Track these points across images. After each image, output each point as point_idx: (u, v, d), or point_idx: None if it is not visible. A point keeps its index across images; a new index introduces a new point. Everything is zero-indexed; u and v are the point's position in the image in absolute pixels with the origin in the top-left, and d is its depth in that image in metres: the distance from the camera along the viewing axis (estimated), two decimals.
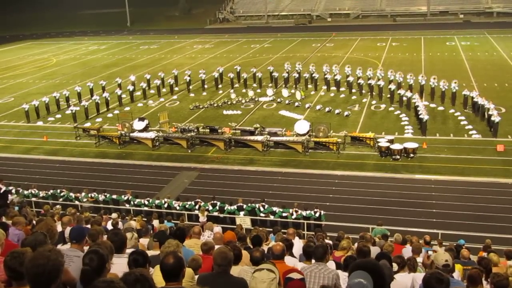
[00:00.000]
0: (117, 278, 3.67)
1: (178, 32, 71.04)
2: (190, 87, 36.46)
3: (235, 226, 15.83)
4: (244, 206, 17.79)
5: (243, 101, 32.61)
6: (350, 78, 33.39)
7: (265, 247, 8.81)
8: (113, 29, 78.50)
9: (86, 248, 5.70)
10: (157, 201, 18.80)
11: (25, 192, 19.85)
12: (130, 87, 34.69)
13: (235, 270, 5.68)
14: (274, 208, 17.54)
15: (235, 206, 17.82)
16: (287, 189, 20.51)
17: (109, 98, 32.83)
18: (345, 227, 15.48)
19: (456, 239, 14.27)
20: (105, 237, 7.01)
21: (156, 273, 4.89)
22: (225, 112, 30.86)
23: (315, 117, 28.48)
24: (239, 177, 22.26)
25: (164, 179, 22.67)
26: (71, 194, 19.66)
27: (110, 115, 31.64)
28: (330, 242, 12.23)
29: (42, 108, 32.20)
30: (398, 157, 22.55)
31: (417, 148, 22.81)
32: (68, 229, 7.53)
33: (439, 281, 4.35)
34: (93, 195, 19.57)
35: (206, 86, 36.75)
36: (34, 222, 9.64)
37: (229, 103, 32.37)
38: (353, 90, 33.37)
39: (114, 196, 19.43)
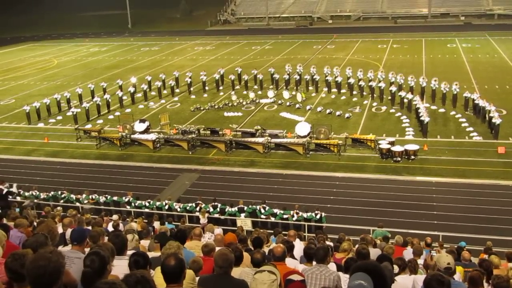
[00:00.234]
0: (118, 280, 3.67)
1: (179, 34, 71.13)
2: (191, 89, 36.50)
3: (236, 228, 15.84)
4: (245, 208, 17.79)
5: (244, 103, 32.63)
6: (351, 80, 33.40)
7: (266, 249, 8.81)
8: (114, 31, 78.66)
9: (87, 249, 5.71)
10: (158, 203, 18.80)
11: (26, 193, 19.86)
12: (131, 89, 34.73)
13: (236, 272, 5.68)
14: (275, 210, 17.54)
15: (236, 208, 17.82)
16: (288, 191, 20.49)
17: (110, 100, 32.87)
18: (346, 229, 15.45)
19: (457, 241, 14.26)
20: (106, 238, 7.01)
21: (157, 275, 4.90)
22: (226, 114, 30.88)
23: (316, 119, 28.49)
24: (240, 179, 22.25)
25: (165, 181, 22.68)
26: (72, 195, 19.68)
27: (111, 116, 31.67)
28: (331, 244, 12.22)
29: (43, 110, 32.24)
30: (399, 159, 22.54)
31: (418, 150, 22.80)
32: (69, 231, 7.54)
33: (440, 283, 4.35)
34: (94, 197, 19.58)
35: (207, 88, 36.77)
36: (35, 223, 9.64)
37: (230, 105, 32.39)
38: (354, 92, 33.38)
39: (115, 198, 19.44)
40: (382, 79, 32.87)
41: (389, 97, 30.82)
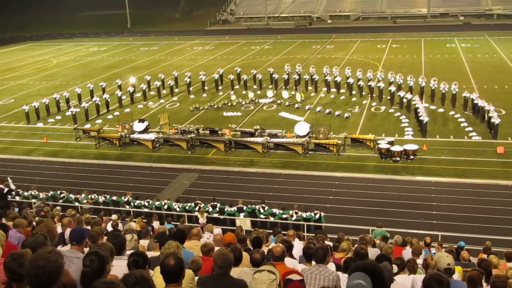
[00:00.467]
0: (117, 279, 3.67)
1: (178, 34, 71.11)
2: (190, 88, 36.49)
3: (235, 228, 15.84)
4: (244, 207, 17.79)
5: (243, 102, 32.63)
6: (350, 80, 33.40)
7: (265, 249, 8.81)
8: (114, 31, 78.63)
9: (86, 249, 5.71)
10: (157, 203, 18.80)
11: (25, 193, 19.85)
12: (130, 89, 34.72)
13: (235, 272, 5.68)
14: (274, 210, 17.54)
15: (235, 208, 17.82)
16: (287, 191, 20.49)
17: (109, 100, 32.85)
18: (345, 228, 15.45)
19: (456, 241, 14.26)
20: (105, 238, 7.01)
21: (156, 275, 4.89)
22: (225, 113, 30.88)
23: (315, 118, 28.50)
24: (239, 178, 22.25)
25: (164, 180, 22.67)
26: (71, 195, 19.66)
27: (110, 116, 31.66)
28: (330, 243, 12.23)
29: (42, 110, 32.20)
30: (398, 159, 22.56)
31: (417, 150, 22.81)
32: (68, 231, 7.53)
33: (439, 283, 4.35)
34: (93, 197, 19.58)
35: (206, 88, 36.77)
36: (34, 223, 9.63)
37: (229, 104, 32.39)
38: (353, 92, 33.39)
39: (114, 198, 19.43)
40: (381, 79, 32.91)
41: (388, 97, 30.82)
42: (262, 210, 17.63)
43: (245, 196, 19.52)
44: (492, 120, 24.56)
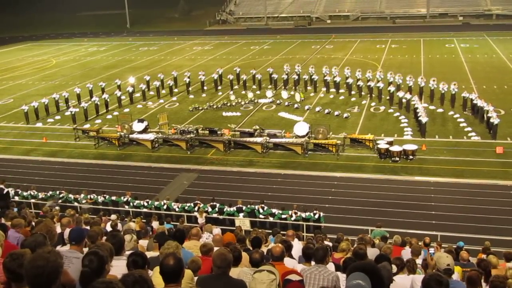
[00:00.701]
0: (116, 279, 3.67)
1: (177, 34, 71.07)
2: (190, 88, 36.48)
3: (234, 228, 15.83)
4: (244, 207, 17.79)
5: (243, 102, 32.62)
6: (350, 80, 33.40)
7: (264, 249, 8.81)
8: (113, 31, 78.59)
9: (85, 249, 5.70)
10: (156, 203, 18.79)
11: (24, 193, 19.83)
12: (130, 89, 34.70)
13: (234, 272, 5.68)
14: (274, 210, 17.54)
15: (234, 208, 17.82)
16: (287, 191, 20.49)
17: (108, 100, 32.83)
18: (344, 229, 15.46)
19: (455, 241, 14.26)
20: (104, 238, 7.00)
21: (155, 275, 4.89)
22: (224, 113, 30.87)
23: (315, 119, 28.49)
24: (238, 178, 22.25)
25: (164, 180, 22.66)
26: (70, 195, 19.65)
27: (109, 116, 31.64)
28: (330, 244, 12.23)
29: (42, 110, 32.17)
30: (398, 159, 22.56)
31: (416, 150, 22.81)
32: (67, 231, 7.53)
33: (438, 283, 4.35)
34: (92, 197, 19.57)
35: (205, 88, 36.76)
36: (33, 223, 9.63)
37: (228, 104, 32.38)
38: (353, 92, 33.40)
39: (113, 198, 19.43)
40: (381, 79, 32.92)
41: (388, 97, 30.84)
42: (261, 210, 17.63)
43: (244, 196, 19.51)
44: (491, 120, 24.58)
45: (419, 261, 8.89)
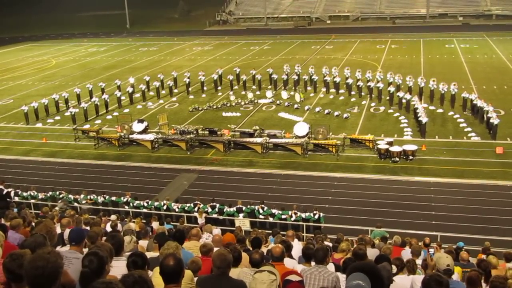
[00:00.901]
0: (116, 280, 3.67)
1: (177, 34, 71.10)
2: (190, 89, 36.48)
3: (234, 228, 15.83)
4: (243, 208, 17.79)
5: (242, 103, 32.62)
6: (350, 80, 33.40)
7: (264, 249, 8.81)
8: (113, 31, 78.62)
9: (85, 250, 5.70)
10: (156, 203, 18.79)
11: (24, 194, 19.83)
12: (129, 89, 34.70)
13: (234, 272, 5.68)
14: (273, 210, 17.54)
15: (234, 208, 17.82)
16: (286, 191, 20.49)
17: (108, 100, 32.83)
18: (344, 229, 15.46)
19: (455, 242, 14.27)
20: (103, 239, 7.00)
21: (155, 275, 4.89)
22: (224, 114, 30.87)
23: (314, 119, 28.50)
24: (238, 179, 22.25)
25: (163, 181, 22.66)
26: (70, 196, 19.65)
27: (109, 117, 31.64)
28: (330, 244, 12.23)
29: (41, 110, 32.17)
30: (397, 159, 22.56)
31: (416, 150, 22.82)
32: (67, 231, 7.53)
33: (438, 283, 4.35)
34: (92, 197, 19.56)
35: (205, 88, 36.75)
36: (33, 224, 9.63)
37: (228, 105, 32.38)
38: (353, 92, 33.40)
39: (113, 198, 19.43)
40: (381, 80, 32.93)
41: (388, 98, 30.84)
42: (261, 211, 17.63)
43: (244, 196, 19.51)
44: (491, 121, 24.58)
45: (419, 261, 8.88)
